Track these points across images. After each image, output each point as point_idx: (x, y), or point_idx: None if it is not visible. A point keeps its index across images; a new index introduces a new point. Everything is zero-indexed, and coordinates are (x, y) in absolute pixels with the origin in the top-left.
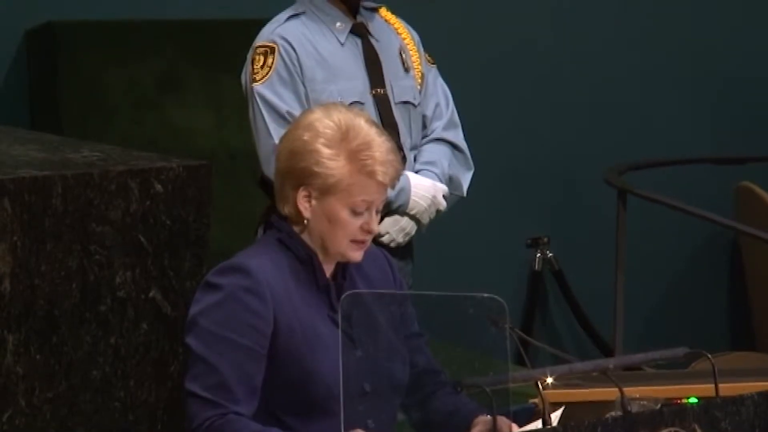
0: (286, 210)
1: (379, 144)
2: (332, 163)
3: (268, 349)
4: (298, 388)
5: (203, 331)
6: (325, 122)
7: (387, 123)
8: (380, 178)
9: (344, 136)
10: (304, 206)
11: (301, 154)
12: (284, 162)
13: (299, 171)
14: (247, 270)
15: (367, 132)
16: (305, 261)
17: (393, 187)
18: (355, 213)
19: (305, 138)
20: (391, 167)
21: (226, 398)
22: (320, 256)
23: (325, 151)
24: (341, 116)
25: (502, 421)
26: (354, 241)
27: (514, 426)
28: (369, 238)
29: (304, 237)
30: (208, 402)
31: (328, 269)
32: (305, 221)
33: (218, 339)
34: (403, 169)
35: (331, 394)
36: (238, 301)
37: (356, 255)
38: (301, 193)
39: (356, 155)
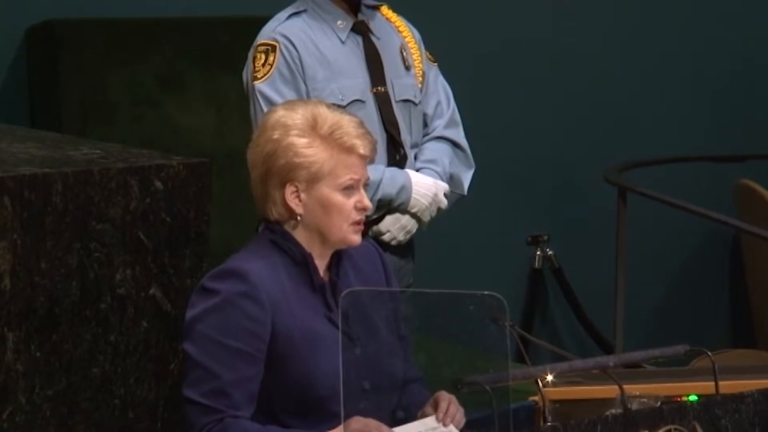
0: (275, 213)
1: (348, 121)
2: (310, 150)
3: (266, 353)
4: (298, 389)
5: (200, 336)
6: (290, 116)
7: (387, 121)
8: (361, 150)
9: (313, 123)
10: (295, 203)
11: (277, 151)
12: (261, 166)
13: (280, 169)
14: (243, 275)
15: (333, 115)
16: (300, 262)
17: (373, 159)
18: (346, 193)
19: (276, 136)
20: (366, 139)
21: (224, 404)
22: (315, 254)
23: (300, 141)
24: (303, 108)
25: (442, 396)
26: (353, 224)
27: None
28: (363, 217)
29: (298, 235)
30: (206, 408)
31: (322, 268)
32: (298, 218)
33: (216, 344)
34: (376, 140)
35: (331, 394)
36: (236, 306)
37: (357, 238)
38: (289, 190)
39: (330, 136)
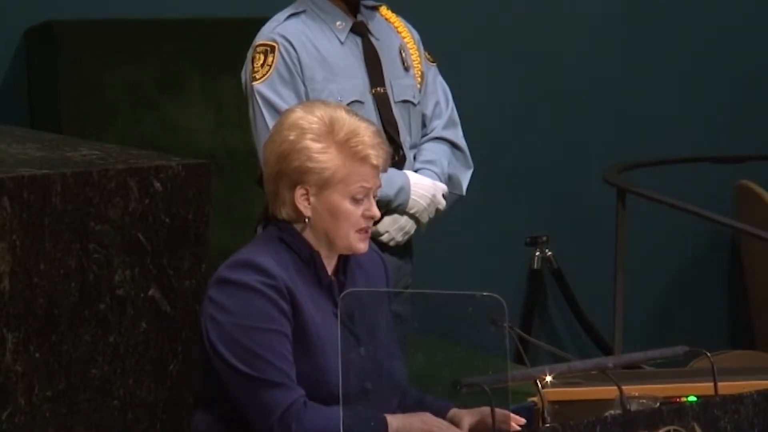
0: (284, 213)
1: (365, 129)
2: (324, 156)
3: None
4: (310, 384)
5: (245, 328)
6: (308, 118)
7: (386, 122)
8: (374, 161)
9: (330, 128)
10: (304, 205)
11: (291, 153)
12: (275, 166)
13: (292, 171)
14: (263, 268)
15: (351, 121)
16: (307, 259)
17: (386, 169)
18: (356, 201)
19: (291, 138)
20: (381, 149)
21: (295, 384)
22: (323, 254)
23: (315, 146)
24: (322, 111)
25: (502, 414)
26: (359, 231)
27: (514, 417)
28: (371, 225)
29: (305, 235)
30: (285, 387)
31: (329, 266)
32: (306, 220)
33: (263, 331)
34: (391, 151)
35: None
36: (264, 295)
37: (363, 246)
38: (299, 192)
39: (346, 144)
